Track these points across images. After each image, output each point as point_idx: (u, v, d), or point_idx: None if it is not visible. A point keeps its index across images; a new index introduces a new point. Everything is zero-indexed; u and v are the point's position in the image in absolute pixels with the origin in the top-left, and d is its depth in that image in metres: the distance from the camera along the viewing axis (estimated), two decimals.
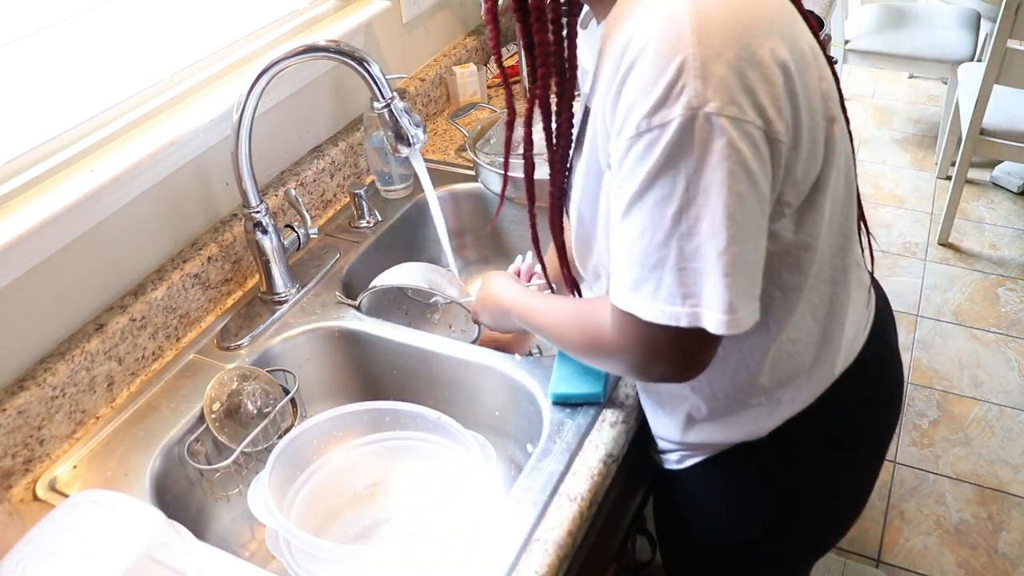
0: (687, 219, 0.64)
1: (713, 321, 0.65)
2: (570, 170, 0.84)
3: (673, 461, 0.94)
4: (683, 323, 0.66)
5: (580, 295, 0.94)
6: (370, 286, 1.16)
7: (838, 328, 0.83)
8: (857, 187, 0.84)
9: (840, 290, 0.82)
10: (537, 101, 0.78)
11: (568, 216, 0.86)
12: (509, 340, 1.16)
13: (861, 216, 0.87)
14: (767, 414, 0.84)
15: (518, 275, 1.13)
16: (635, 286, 0.68)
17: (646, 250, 0.66)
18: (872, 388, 0.91)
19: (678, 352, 0.70)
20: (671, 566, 1.11)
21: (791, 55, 0.65)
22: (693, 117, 0.61)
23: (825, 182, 0.73)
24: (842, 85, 0.78)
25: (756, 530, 0.93)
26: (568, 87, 0.79)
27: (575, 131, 0.82)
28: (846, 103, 0.78)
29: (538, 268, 1.11)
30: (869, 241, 0.91)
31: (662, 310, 0.67)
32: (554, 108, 0.80)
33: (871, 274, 0.94)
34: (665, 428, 0.92)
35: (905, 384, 1.02)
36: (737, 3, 0.64)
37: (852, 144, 0.80)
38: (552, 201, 0.85)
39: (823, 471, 0.90)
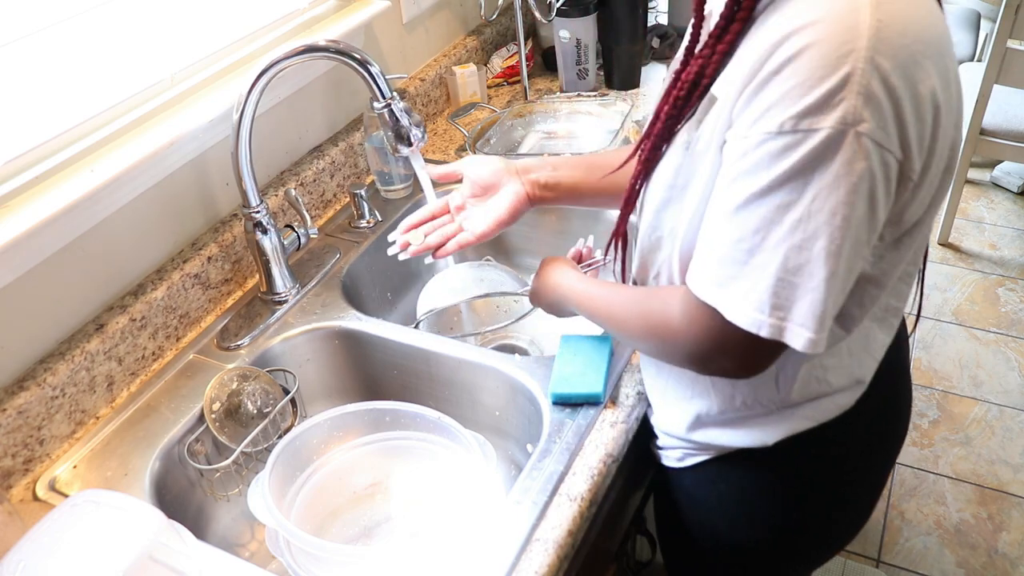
0: (804, 232, 0.62)
1: (799, 339, 0.65)
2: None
3: (674, 458, 0.94)
4: (764, 332, 0.65)
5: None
6: (427, 310, 1.12)
7: (869, 364, 0.83)
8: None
9: (881, 330, 0.82)
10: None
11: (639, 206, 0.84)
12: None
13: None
14: (777, 425, 0.84)
15: (579, 260, 1.09)
16: (726, 282, 0.66)
17: (751, 250, 0.65)
18: (881, 412, 0.90)
19: (746, 354, 0.70)
20: (670, 565, 1.11)
21: (943, 95, 0.64)
22: (844, 132, 0.60)
23: (919, 227, 0.72)
24: None
25: (753, 536, 0.93)
26: (692, 38, 0.76)
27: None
28: None
29: (599, 253, 1.08)
30: (921, 288, 0.89)
31: (747, 314, 0.66)
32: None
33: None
34: (671, 423, 0.92)
35: (912, 403, 1.00)
36: (917, 23, 0.61)
37: None
38: (643, 160, 0.80)
39: (825, 486, 0.90)
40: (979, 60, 2.91)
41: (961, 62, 2.86)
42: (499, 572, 0.80)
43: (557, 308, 0.99)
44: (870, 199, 0.63)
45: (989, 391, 2.23)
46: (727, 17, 0.68)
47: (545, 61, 1.81)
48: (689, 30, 0.76)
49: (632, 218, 0.86)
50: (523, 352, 1.30)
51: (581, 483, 0.89)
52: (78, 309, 1.03)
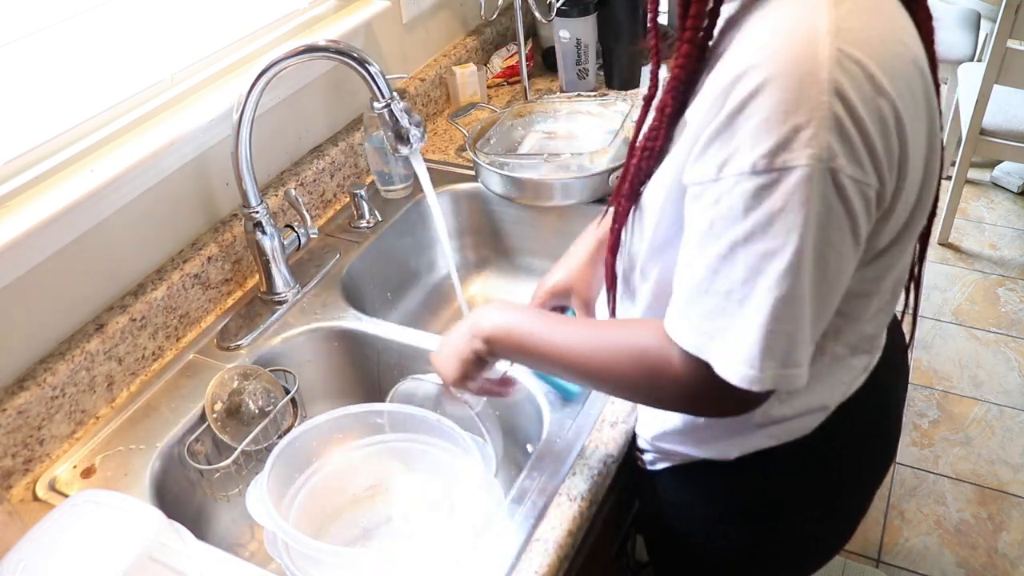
0: (791, 279, 0.60)
1: (793, 382, 0.64)
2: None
3: (647, 461, 0.93)
4: (756, 387, 0.64)
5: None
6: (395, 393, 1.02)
7: (839, 390, 0.82)
8: (921, 253, 0.82)
9: (855, 357, 0.80)
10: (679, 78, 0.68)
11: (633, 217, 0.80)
12: (573, 286, 0.98)
13: (916, 279, 0.84)
14: (739, 442, 0.83)
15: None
16: (715, 334, 0.64)
17: (740, 301, 0.62)
18: (855, 433, 0.87)
19: (741, 401, 0.67)
20: (655, 565, 1.10)
21: (908, 116, 0.61)
22: (820, 170, 0.57)
23: (892, 253, 0.70)
24: None
25: (729, 542, 0.92)
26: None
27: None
28: None
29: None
30: (916, 309, 0.87)
31: (737, 370, 0.63)
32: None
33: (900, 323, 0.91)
34: (643, 427, 0.92)
35: (897, 441, 0.98)
36: (877, 47, 0.59)
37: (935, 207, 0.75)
38: (627, 181, 0.76)
39: (795, 499, 0.88)
40: (979, 60, 2.91)
41: (961, 62, 2.86)
42: (499, 572, 0.81)
43: (475, 352, 0.83)
44: (855, 233, 0.61)
45: (989, 391, 2.23)
46: (681, 39, 0.66)
47: (545, 61, 1.81)
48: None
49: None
50: None
51: (581, 483, 0.89)
52: (78, 309, 1.03)
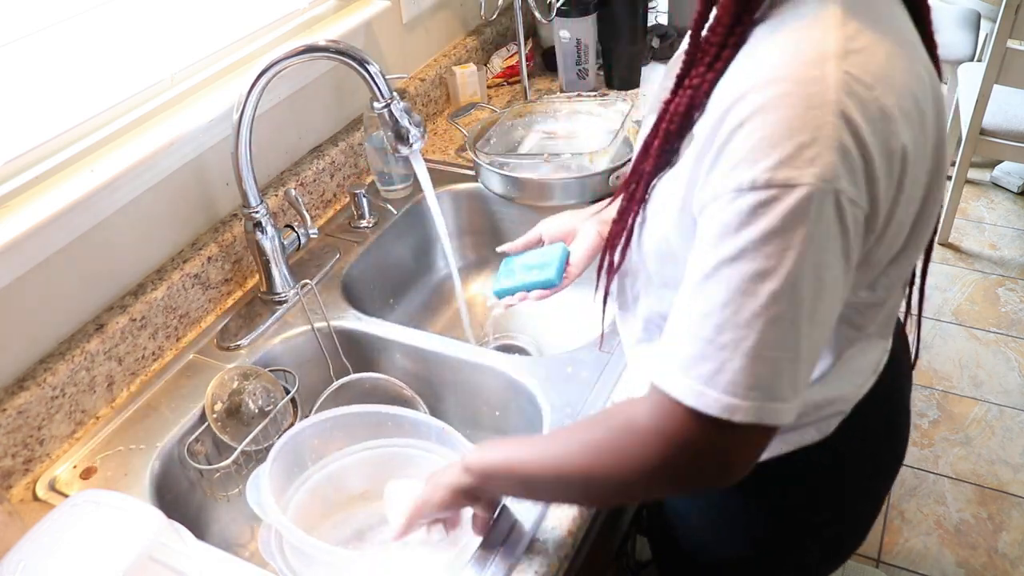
0: (784, 303, 0.57)
1: (782, 416, 0.59)
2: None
3: None
4: (738, 418, 0.58)
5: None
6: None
7: (852, 391, 0.80)
8: (922, 273, 0.81)
9: (868, 354, 0.79)
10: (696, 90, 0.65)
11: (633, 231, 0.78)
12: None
13: (920, 285, 0.83)
14: None
15: None
16: (693, 364, 0.59)
17: (719, 326, 0.58)
18: (867, 436, 0.85)
19: (726, 450, 0.61)
20: (661, 569, 1.10)
21: (914, 145, 0.60)
22: (822, 191, 0.55)
23: (896, 265, 0.69)
24: None
25: (736, 550, 0.92)
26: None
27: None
28: None
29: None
30: (920, 313, 0.85)
31: (717, 399, 0.58)
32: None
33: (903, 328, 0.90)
34: None
35: (907, 441, 0.97)
36: (885, 71, 0.58)
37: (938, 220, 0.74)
38: (631, 193, 0.74)
39: (805, 506, 0.87)
40: (979, 60, 2.91)
41: (961, 62, 2.86)
42: (499, 572, 0.80)
43: (471, 498, 0.79)
44: (846, 257, 0.59)
45: (989, 391, 2.23)
46: (719, 44, 0.63)
47: (545, 61, 1.81)
48: (682, 57, 0.70)
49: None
50: (523, 352, 1.30)
51: None
52: (78, 309, 1.03)
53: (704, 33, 0.65)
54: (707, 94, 0.64)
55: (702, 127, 0.63)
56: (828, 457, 0.83)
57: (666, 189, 0.70)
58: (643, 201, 0.74)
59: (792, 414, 0.60)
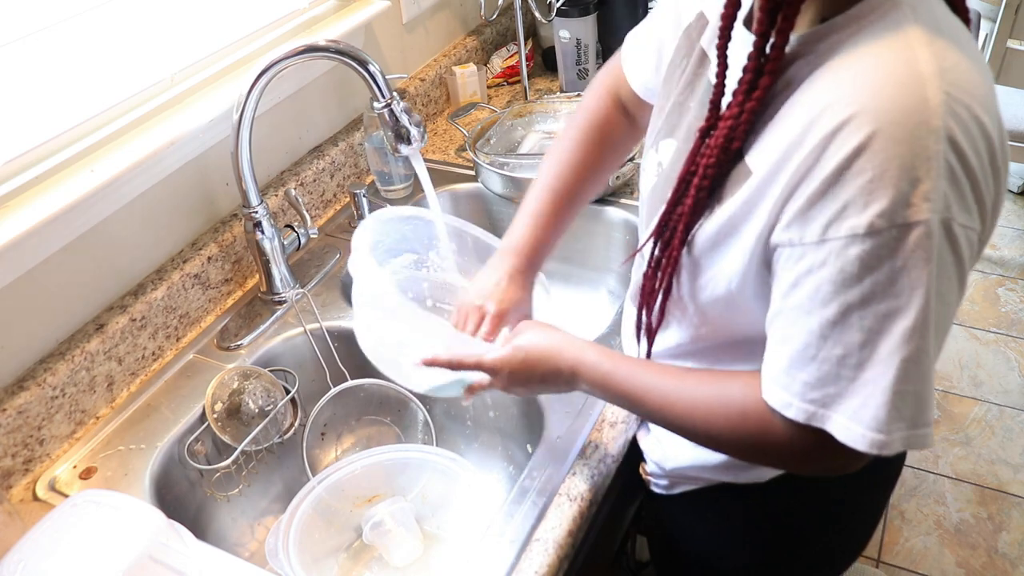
0: (917, 339, 0.57)
1: (922, 442, 0.61)
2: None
3: (663, 487, 0.93)
4: (887, 452, 0.60)
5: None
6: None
7: None
8: None
9: None
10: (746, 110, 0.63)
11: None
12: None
13: None
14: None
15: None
16: (832, 402, 0.61)
17: (859, 365, 0.59)
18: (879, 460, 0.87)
19: (856, 460, 0.64)
20: (661, 572, 1.10)
21: (1003, 152, 0.59)
22: (937, 223, 0.54)
23: None
24: None
25: (742, 562, 0.92)
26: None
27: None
28: None
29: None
30: None
31: (863, 435, 0.60)
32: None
33: None
34: (659, 453, 0.90)
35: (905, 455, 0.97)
36: (975, 83, 0.57)
37: None
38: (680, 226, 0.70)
39: (816, 516, 0.88)
40: None
41: None
42: (499, 572, 0.81)
43: (546, 386, 0.80)
44: (960, 281, 0.59)
45: (989, 391, 2.23)
46: (754, 70, 0.61)
47: (545, 61, 1.81)
48: (712, 79, 0.67)
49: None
50: None
51: (581, 483, 0.89)
52: (78, 309, 1.03)
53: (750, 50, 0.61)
54: (749, 123, 0.62)
55: (765, 158, 0.61)
56: (833, 479, 0.83)
57: (721, 231, 0.66)
58: (682, 247, 0.70)
59: (932, 438, 0.61)
